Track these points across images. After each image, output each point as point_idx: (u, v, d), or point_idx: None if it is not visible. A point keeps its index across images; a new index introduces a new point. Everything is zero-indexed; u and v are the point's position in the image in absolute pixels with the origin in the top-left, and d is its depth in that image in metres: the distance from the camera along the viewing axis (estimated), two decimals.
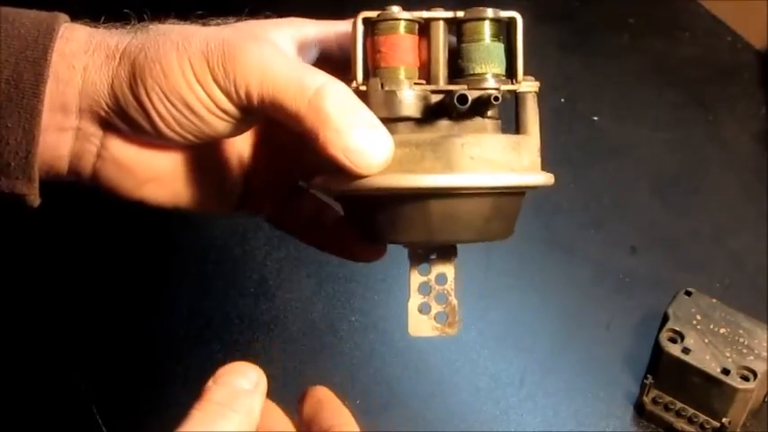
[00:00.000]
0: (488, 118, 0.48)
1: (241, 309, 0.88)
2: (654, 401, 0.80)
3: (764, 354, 0.76)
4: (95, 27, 0.50)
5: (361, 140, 0.45)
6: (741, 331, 0.77)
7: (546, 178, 0.48)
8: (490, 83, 0.47)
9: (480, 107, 0.47)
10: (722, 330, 0.77)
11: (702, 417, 0.78)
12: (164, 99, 0.47)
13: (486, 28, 0.48)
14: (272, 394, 0.84)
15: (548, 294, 0.91)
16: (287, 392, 0.83)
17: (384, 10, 0.48)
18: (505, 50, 0.49)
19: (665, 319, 0.78)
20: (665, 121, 1.07)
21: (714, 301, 0.80)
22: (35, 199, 0.49)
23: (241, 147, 0.55)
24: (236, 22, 0.51)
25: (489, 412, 0.82)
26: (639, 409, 0.81)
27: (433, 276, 0.50)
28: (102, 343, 0.85)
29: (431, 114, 0.47)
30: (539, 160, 0.49)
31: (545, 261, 0.93)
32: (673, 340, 0.77)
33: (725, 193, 1.00)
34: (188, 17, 0.50)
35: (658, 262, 0.93)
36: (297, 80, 0.45)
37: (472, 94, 0.45)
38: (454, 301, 0.50)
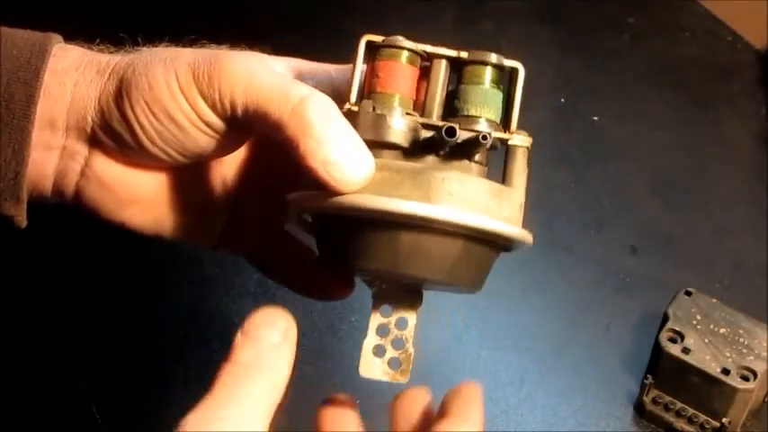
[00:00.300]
0: (476, 162, 0.47)
1: (241, 309, 0.88)
2: (654, 401, 0.80)
3: (764, 354, 0.76)
4: (89, 48, 0.50)
5: (341, 154, 0.44)
6: (741, 331, 0.77)
7: (524, 235, 0.47)
8: (482, 126, 0.46)
9: (468, 147, 0.46)
10: (722, 330, 0.77)
11: (702, 417, 0.78)
12: (147, 111, 0.46)
13: (488, 73, 0.47)
14: None
15: (548, 294, 0.91)
16: (287, 392, 0.84)
17: (389, 36, 0.47)
18: (503, 100, 0.48)
19: (665, 319, 0.78)
20: (665, 121, 1.07)
21: (714, 301, 0.80)
22: (22, 220, 0.49)
23: (227, 181, 0.54)
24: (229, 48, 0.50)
25: (489, 412, 0.82)
26: (639, 409, 0.81)
27: (393, 319, 0.49)
28: (103, 343, 0.85)
29: (418, 148, 0.46)
30: (520, 216, 0.48)
31: (545, 261, 0.93)
32: (673, 340, 0.77)
33: (725, 193, 1.00)
34: (181, 41, 0.50)
35: (658, 262, 0.93)
36: (281, 89, 0.45)
37: (462, 133, 0.45)
38: (411, 350, 0.49)
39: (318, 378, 0.84)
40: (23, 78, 0.46)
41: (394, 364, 0.49)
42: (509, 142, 0.48)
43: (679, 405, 0.79)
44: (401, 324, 0.49)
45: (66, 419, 0.81)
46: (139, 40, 0.50)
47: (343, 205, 0.44)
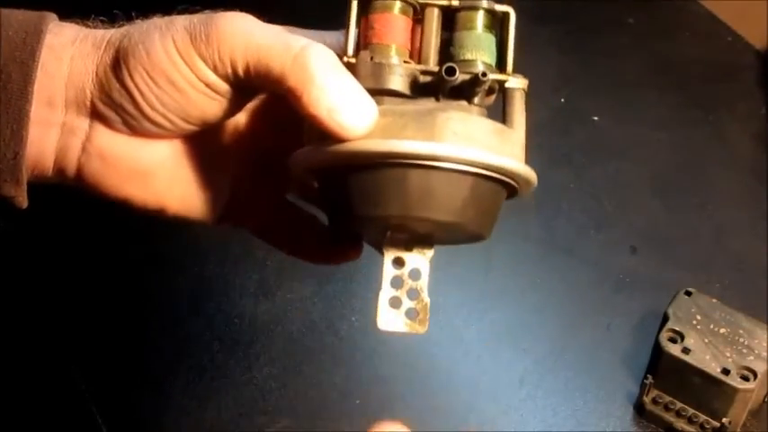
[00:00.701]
0: (475, 105, 0.48)
1: (241, 309, 0.88)
2: (654, 401, 0.80)
3: (764, 354, 0.76)
4: (84, 25, 0.49)
5: (345, 100, 0.44)
6: (741, 331, 0.77)
7: (529, 172, 0.48)
8: (479, 68, 0.47)
9: (467, 88, 0.46)
10: (722, 330, 0.77)
11: (702, 417, 0.78)
12: (146, 77, 0.46)
13: (480, 17, 0.48)
14: (272, 394, 0.84)
15: (548, 294, 0.91)
16: (287, 392, 0.84)
17: None
18: (497, 44, 0.49)
19: (665, 319, 0.78)
20: (665, 121, 1.07)
21: (714, 301, 0.80)
22: (23, 201, 0.48)
23: (229, 153, 0.54)
24: None
25: (489, 412, 0.82)
26: (639, 409, 0.81)
27: (406, 271, 0.49)
28: (103, 343, 0.86)
29: (417, 93, 0.47)
30: (523, 155, 0.48)
31: (545, 261, 0.93)
32: (673, 340, 0.77)
33: (725, 193, 1.00)
34: (174, 11, 0.50)
35: (658, 262, 0.93)
36: (282, 41, 0.45)
37: (461, 75, 0.45)
38: (426, 299, 0.49)
39: (318, 378, 0.84)
40: (20, 58, 0.46)
41: (411, 314, 0.49)
42: (506, 84, 0.49)
43: (679, 405, 0.79)
44: (414, 275, 0.49)
45: (66, 419, 0.81)
46: (133, 14, 0.50)
47: (350, 152, 0.45)
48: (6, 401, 0.81)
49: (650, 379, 0.79)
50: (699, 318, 0.78)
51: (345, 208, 0.47)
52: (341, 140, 0.45)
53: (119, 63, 0.46)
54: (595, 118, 1.07)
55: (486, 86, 0.47)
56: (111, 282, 0.90)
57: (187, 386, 0.82)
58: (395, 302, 0.49)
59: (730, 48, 1.15)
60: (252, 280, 0.90)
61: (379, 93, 0.46)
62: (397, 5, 0.48)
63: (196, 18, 0.46)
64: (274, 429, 0.81)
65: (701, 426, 0.78)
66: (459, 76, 0.45)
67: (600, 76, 1.11)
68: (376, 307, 0.49)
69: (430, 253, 0.49)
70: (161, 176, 0.51)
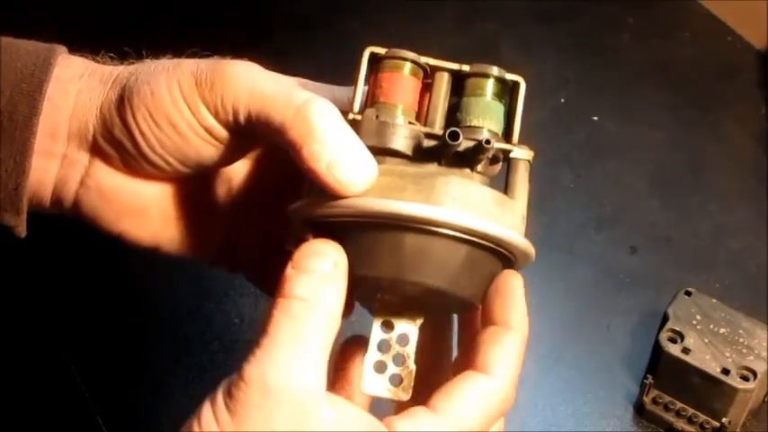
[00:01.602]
0: (478, 173, 0.47)
1: (241, 309, 0.88)
2: (654, 401, 0.80)
3: (764, 354, 0.76)
4: (93, 59, 0.50)
5: (345, 156, 0.44)
6: (741, 331, 0.77)
7: (527, 245, 0.47)
8: (485, 136, 0.46)
9: (471, 155, 0.46)
10: (722, 330, 0.77)
11: (702, 417, 0.78)
12: (148, 118, 0.46)
13: (489, 85, 0.48)
14: None
15: (548, 294, 0.91)
16: None
17: (391, 48, 0.48)
18: (505, 113, 0.48)
19: (665, 319, 0.78)
20: (665, 121, 1.07)
21: (714, 301, 0.80)
22: (22, 230, 0.49)
23: (226, 196, 0.54)
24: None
25: None
26: (639, 409, 0.81)
27: (395, 335, 0.48)
28: (102, 343, 0.85)
29: (420, 156, 0.46)
30: (522, 227, 0.48)
31: (545, 261, 0.93)
32: (673, 340, 0.77)
33: (725, 193, 1.00)
34: (184, 54, 0.50)
35: (658, 262, 0.93)
36: (284, 93, 0.45)
37: (465, 140, 0.45)
38: (412, 366, 0.48)
39: None
40: (27, 90, 0.46)
41: (394, 380, 0.48)
42: (511, 155, 0.48)
43: (679, 405, 0.79)
44: (401, 340, 0.48)
45: (66, 419, 0.81)
46: (144, 53, 0.50)
47: (346, 209, 0.44)
48: (6, 401, 0.81)
49: (650, 379, 0.79)
50: (699, 318, 0.78)
51: None
52: (339, 196, 0.44)
53: (123, 101, 0.47)
54: (595, 118, 1.07)
55: (489, 154, 0.46)
56: (111, 282, 0.90)
57: (187, 386, 0.82)
58: (380, 367, 0.48)
59: (730, 48, 1.15)
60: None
61: (381, 152, 0.46)
62: (408, 66, 0.48)
63: (203, 63, 0.47)
64: None
65: (701, 426, 0.78)
66: (463, 142, 0.45)
67: (600, 76, 1.11)
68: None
69: (420, 320, 0.48)
70: (156, 215, 0.51)
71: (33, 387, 0.83)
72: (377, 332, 0.48)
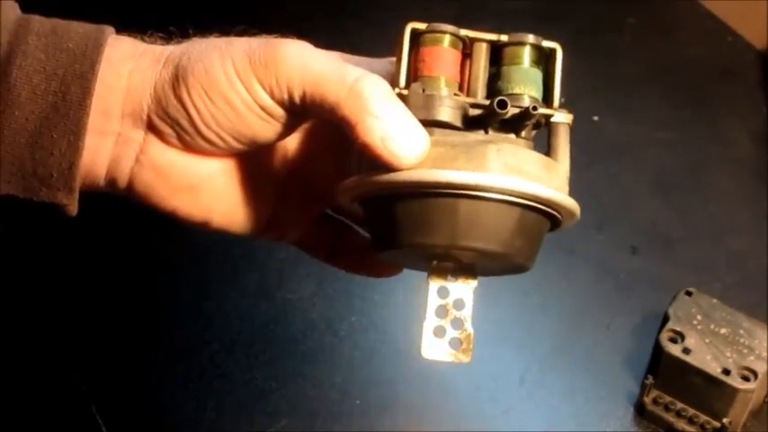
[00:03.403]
0: (523, 138, 0.49)
1: (241, 309, 0.88)
2: (654, 402, 0.80)
3: (765, 354, 0.76)
4: (141, 39, 0.51)
5: (399, 129, 0.45)
6: (741, 331, 0.77)
7: (573, 205, 0.48)
8: (527, 102, 0.48)
9: (516, 121, 0.48)
10: (723, 330, 0.77)
11: (703, 417, 0.78)
12: (204, 96, 0.47)
13: (527, 53, 0.49)
14: (272, 394, 0.84)
15: (548, 294, 0.91)
16: (287, 392, 0.84)
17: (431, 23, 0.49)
18: (543, 78, 0.50)
19: (666, 319, 0.78)
20: (665, 121, 1.07)
21: (714, 301, 0.80)
22: (74, 209, 0.50)
23: (275, 173, 0.55)
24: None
25: (489, 412, 0.82)
26: (640, 409, 0.81)
27: (451, 300, 0.50)
28: (103, 343, 0.85)
29: (467, 124, 0.48)
30: (567, 188, 0.49)
31: (545, 261, 0.92)
32: (673, 340, 0.77)
33: (725, 193, 1.00)
34: (232, 32, 0.51)
35: (658, 262, 0.93)
36: (337, 71, 0.46)
37: (510, 108, 0.47)
38: (470, 329, 0.50)
39: (318, 378, 0.84)
40: (79, 71, 0.47)
41: (454, 344, 0.50)
42: (552, 119, 0.50)
43: (679, 405, 0.79)
44: (458, 305, 0.50)
45: (66, 419, 0.81)
46: (190, 32, 0.51)
47: (403, 181, 0.46)
48: (7, 401, 0.81)
49: (650, 379, 0.79)
50: (699, 318, 0.78)
51: (392, 235, 0.48)
52: (393, 169, 0.46)
53: (178, 80, 0.48)
54: (595, 118, 1.07)
55: (534, 120, 0.48)
56: (111, 282, 0.90)
57: (187, 386, 0.82)
58: (439, 331, 0.50)
59: (730, 48, 1.15)
60: (252, 280, 0.90)
61: (430, 124, 0.47)
62: (447, 39, 0.50)
63: (255, 42, 0.48)
64: (274, 429, 0.81)
65: (702, 426, 0.78)
66: (510, 110, 0.46)
67: (600, 76, 1.11)
68: (420, 335, 0.49)
69: (474, 283, 0.50)
70: (209, 191, 0.52)
71: (33, 387, 0.83)
72: (433, 298, 0.50)
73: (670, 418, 0.79)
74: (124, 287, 0.90)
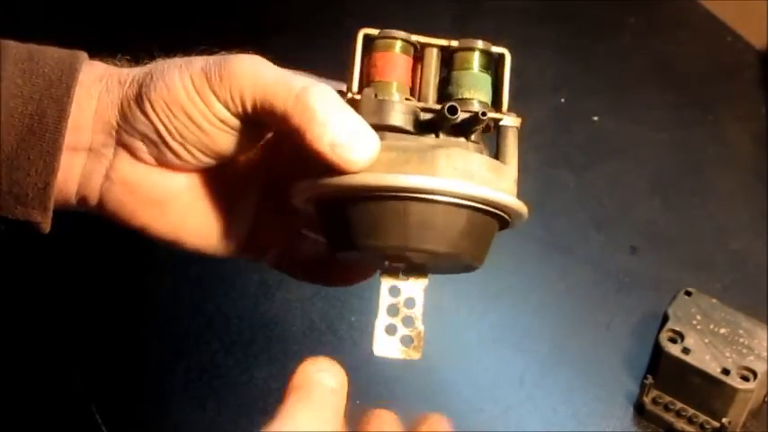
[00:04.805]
0: (472, 142, 0.50)
1: (241, 309, 0.88)
2: (654, 402, 0.80)
3: (764, 354, 0.76)
4: (112, 63, 0.53)
5: (347, 135, 0.47)
6: (741, 331, 0.77)
7: (521, 206, 0.50)
8: (476, 107, 0.49)
9: (467, 125, 0.49)
10: (722, 330, 0.77)
11: (702, 417, 0.78)
12: (167, 110, 0.49)
13: (476, 58, 0.51)
14: (272, 395, 0.84)
15: (547, 295, 0.91)
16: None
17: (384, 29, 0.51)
18: (493, 83, 0.51)
19: (665, 319, 0.78)
20: (665, 121, 1.07)
21: (714, 301, 0.80)
22: (47, 227, 0.51)
23: (245, 189, 0.56)
24: None
25: (489, 412, 0.82)
26: (639, 409, 0.81)
27: (402, 299, 0.51)
28: (103, 343, 0.86)
29: (418, 128, 0.49)
30: (515, 190, 0.50)
31: (545, 261, 0.93)
32: (673, 340, 0.77)
33: (725, 193, 1.00)
34: (193, 52, 0.53)
35: (658, 262, 0.93)
36: (284, 82, 0.48)
37: (461, 113, 0.48)
38: (420, 327, 0.51)
39: None
40: (55, 95, 0.49)
41: (406, 341, 0.51)
42: (501, 123, 0.51)
43: (679, 405, 0.79)
44: (409, 303, 0.51)
45: (66, 419, 0.81)
46: (155, 54, 0.53)
47: (355, 185, 0.47)
48: (7, 401, 0.81)
49: (650, 379, 0.79)
50: (699, 318, 0.78)
51: (345, 237, 0.49)
52: (345, 173, 0.47)
53: (142, 97, 0.49)
54: (595, 118, 1.07)
55: (483, 125, 0.49)
56: (111, 282, 0.90)
57: (187, 386, 0.82)
58: (390, 329, 0.51)
59: (730, 48, 1.15)
60: (252, 280, 0.90)
61: (382, 128, 0.48)
62: (399, 44, 0.51)
63: (212, 59, 0.50)
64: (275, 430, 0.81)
65: (701, 426, 0.78)
66: (460, 115, 0.48)
67: (600, 76, 1.11)
68: (372, 333, 0.51)
69: (425, 282, 0.51)
70: (178, 207, 0.53)
71: (33, 387, 0.83)
72: (385, 297, 0.51)
73: (670, 417, 0.79)
74: (124, 287, 0.90)
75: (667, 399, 0.79)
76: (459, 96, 0.50)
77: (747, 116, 1.08)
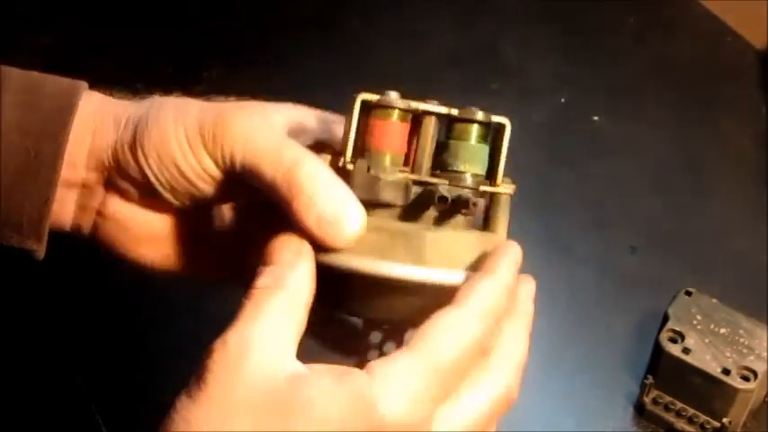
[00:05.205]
0: (464, 214, 0.50)
1: None
2: (654, 402, 0.80)
3: (765, 354, 0.76)
4: (110, 95, 0.53)
5: (333, 213, 0.46)
6: (741, 331, 0.77)
7: None
8: (469, 182, 0.49)
9: (457, 207, 0.49)
10: (722, 330, 0.77)
11: (703, 417, 0.78)
12: (159, 162, 0.50)
13: (475, 130, 0.50)
14: None
15: (547, 294, 0.90)
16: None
17: (383, 94, 0.50)
18: (490, 151, 0.51)
19: (666, 319, 0.79)
20: (665, 121, 1.07)
21: (714, 301, 0.80)
22: (41, 254, 0.53)
23: (229, 225, 0.57)
24: (236, 100, 0.54)
25: None
26: (639, 409, 0.81)
27: (381, 343, 0.54)
28: (102, 343, 0.85)
29: (410, 205, 0.50)
30: None
31: (545, 261, 0.93)
32: (673, 340, 0.77)
33: (725, 193, 1.00)
34: (187, 90, 0.54)
35: (658, 262, 0.93)
36: (275, 151, 0.48)
37: (452, 192, 0.48)
38: None
39: None
40: (52, 131, 0.50)
41: None
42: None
43: (679, 405, 0.79)
44: (389, 347, 0.54)
45: (66, 419, 0.81)
46: (152, 88, 0.54)
47: (339, 265, 0.47)
48: (7, 401, 0.81)
49: (650, 379, 0.79)
50: (699, 318, 0.78)
51: (330, 296, 0.49)
52: (329, 249, 0.47)
53: (135, 144, 0.50)
54: (595, 118, 1.07)
55: (475, 211, 0.49)
56: (111, 282, 0.90)
57: (187, 386, 0.82)
58: None
59: (730, 48, 1.15)
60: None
61: (372, 204, 0.49)
62: (396, 113, 0.50)
63: (207, 111, 0.50)
64: None
65: (702, 426, 0.78)
66: (451, 196, 0.48)
67: (600, 76, 1.11)
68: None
69: (407, 331, 0.53)
70: (168, 242, 0.55)
71: (33, 387, 0.83)
72: (366, 344, 0.54)
73: (670, 417, 0.79)
74: (124, 287, 0.90)
75: (667, 399, 0.79)
76: (454, 168, 0.50)
77: (747, 116, 1.08)
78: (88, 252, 0.91)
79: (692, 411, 0.78)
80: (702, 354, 0.76)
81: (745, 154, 1.04)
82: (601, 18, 1.17)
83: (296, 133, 0.53)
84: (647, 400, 0.80)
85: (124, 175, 0.51)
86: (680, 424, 0.79)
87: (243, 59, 1.02)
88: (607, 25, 1.17)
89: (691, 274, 0.90)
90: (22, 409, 0.81)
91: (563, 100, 1.08)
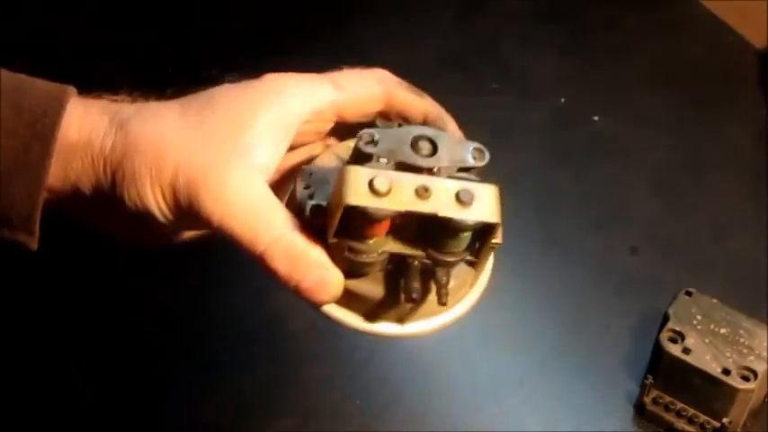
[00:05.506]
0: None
1: (241, 308, 0.88)
2: (654, 402, 0.80)
3: (765, 354, 0.76)
4: (97, 98, 0.53)
5: (308, 286, 0.49)
6: (741, 331, 0.77)
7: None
8: (452, 259, 0.49)
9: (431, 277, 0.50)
10: (722, 330, 0.77)
11: (703, 417, 0.78)
12: (134, 220, 0.51)
13: (464, 236, 0.49)
14: (272, 394, 0.84)
15: (547, 295, 0.91)
16: (287, 392, 0.84)
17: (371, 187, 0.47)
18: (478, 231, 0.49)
19: (666, 319, 0.78)
20: (665, 121, 1.07)
21: (714, 301, 0.80)
22: (34, 246, 0.53)
23: None
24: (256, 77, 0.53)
25: (489, 412, 0.82)
26: (639, 409, 0.81)
27: None
28: (102, 343, 0.85)
29: (391, 272, 0.50)
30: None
31: (545, 261, 0.93)
32: (673, 340, 0.77)
33: (725, 193, 1.00)
34: (187, 89, 0.53)
35: (658, 262, 0.93)
36: (251, 231, 0.49)
37: (426, 268, 0.49)
38: None
39: (318, 378, 0.84)
40: (41, 133, 0.50)
41: None
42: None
43: (679, 405, 0.79)
44: None
45: (66, 419, 0.81)
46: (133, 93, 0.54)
47: (324, 312, 0.52)
48: (6, 400, 0.81)
49: (650, 379, 0.79)
50: (699, 318, 0.78)
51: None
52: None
53: (114, 194, 0.51)
54: (595, 118, 1.07)
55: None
56: (111, 281, 0.90)
57: (187, 386, 0.82)
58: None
59: (730, 48, 1.15)
60: (252, 280, 0.90)
61: (352, 275, 0.50)
62: (381, 218, 0.48)
63: (182, 171, 0.50)
64: (274, 429, 0.81)
65: (702, 426, 0.78)
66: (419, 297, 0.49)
67: (600, 76, 1.11)
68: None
69: None
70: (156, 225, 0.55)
71: (32, 386, 0.83)
72: None
73: (670, 417, 0.79)
74: (124, 287, 0.90)
75: (667, 399, 0.79)
76: (440, 258, 0.49)
77: (747, 116, 1.08)
78: (88, 249, 0.91)
79: (692, 411, 0.78)
80: (702, 354, 0.76)
81: (745, 154, 1.04)
82: (601, 18, 1.17)
83: (312, 117, 0.53)
84: (647, 400, 0.80)
85: (104, 210, 0.53)
86: (680, 424, 0.79)
87: (243, 59, 1.02)
88: (607, 25, 1.17)
89: (691, 274, 0.90)
90: (22, 407, 0.81)
91: (563, 100, 1.08)
